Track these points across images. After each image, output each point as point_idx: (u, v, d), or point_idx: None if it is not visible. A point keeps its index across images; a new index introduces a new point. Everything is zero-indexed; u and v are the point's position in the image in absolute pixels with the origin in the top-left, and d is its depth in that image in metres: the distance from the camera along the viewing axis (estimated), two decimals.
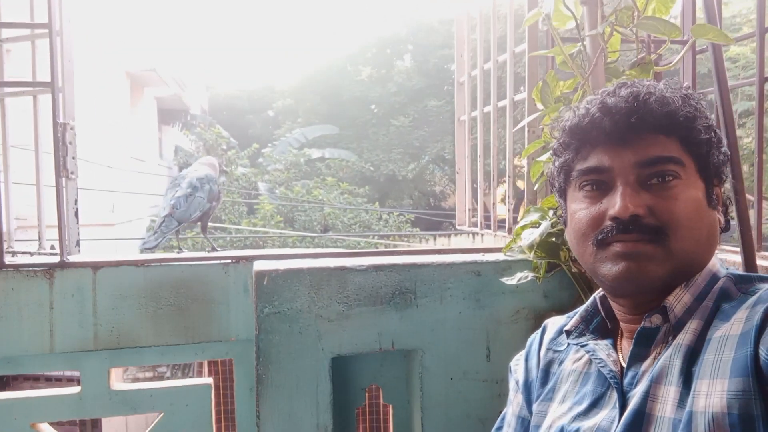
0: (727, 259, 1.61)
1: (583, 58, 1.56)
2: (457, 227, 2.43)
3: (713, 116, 1.69)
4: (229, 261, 1.64)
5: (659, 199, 0.84)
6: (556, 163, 0.96)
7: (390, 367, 1.61)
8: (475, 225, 2.34)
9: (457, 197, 2.47)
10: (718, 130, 0.90)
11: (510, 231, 2.05)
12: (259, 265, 1.50)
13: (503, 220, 2.13)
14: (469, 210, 2.36)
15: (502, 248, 1.64)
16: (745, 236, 1.42)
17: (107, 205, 9.72)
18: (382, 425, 1.83)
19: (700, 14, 1.88)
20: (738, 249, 1.45)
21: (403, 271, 1.53)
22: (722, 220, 0.92)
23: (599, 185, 0.88)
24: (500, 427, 1.12)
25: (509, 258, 1.59)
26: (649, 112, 0.85)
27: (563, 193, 0.97)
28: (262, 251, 1.71)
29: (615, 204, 0.84)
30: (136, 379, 7.61)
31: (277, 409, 1.46)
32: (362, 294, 1.51)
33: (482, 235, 2.35)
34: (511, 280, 1.50)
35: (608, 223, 0.85)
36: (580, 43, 1.57)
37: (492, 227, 2.24)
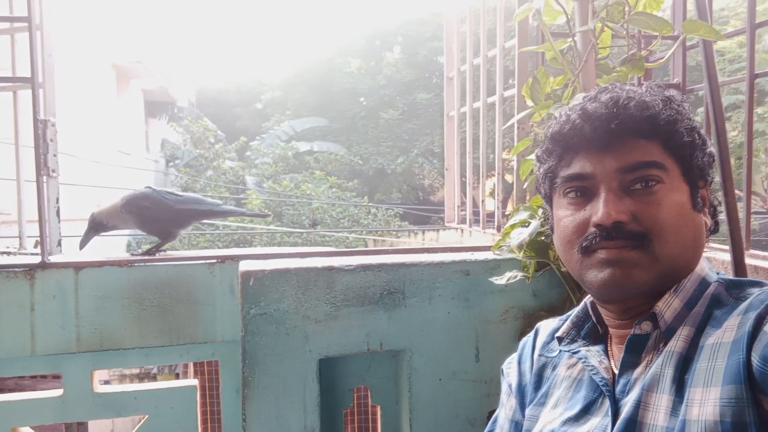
0: (715, 257, 1.60)
1: (573, 54, 1.54)
2: (446, 224, 2.41)
3: (701, 112, 1.68)
4: (215, 261, 1.62)
5: (642, 205, 0.83)
6: (541, 170, 0.96)
7: (378, 368, 1.60)
8: (464, 222, 2.32)
9: (446, 194, 2.45)
10: (702, 132, 0.89)
11: (499, 228, 2.04)
12: (245, 266, 1.47)
13: (492, 215, 2.12)
14: (458, 206, 2.34)
15: (491, 247, 1.62)
16: (734, 235, 1.42)
17: (93, 199, 9.62)
18: (370, 426, 1.82)
19: (690, 8, 1.87)
20: (727, 248, 1.45)
21: (391, 271, 1.51)
22: (709, 222, 0.91)
23: (583, 192, 0.88)
24: (492, 431, 1.10)
25: (498, 257, 1.57)
26: (629, 117, 0.84)
27: (549, 200, 0.97)
28: (249, 250, 1.68)
29: (598, 211, 0.84)
30: (123, 376, 7.55)
31: (263, 411, 1.44)
32: (350, 294, 1.48)
33: (470, 231, 2.33)
34: (500, 280, 1.49)
35: (592, 230, 0.85)
36: (570, 39, 1.55)
37: (481, 223, 2.22)
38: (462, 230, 2.35)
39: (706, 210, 0.91)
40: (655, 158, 0.84)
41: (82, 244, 1.71)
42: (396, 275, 1.51)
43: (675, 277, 0.85)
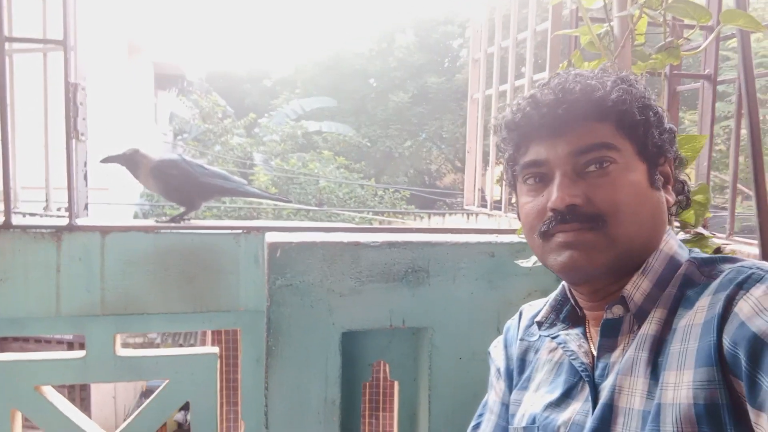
0: (741, 250, 1.60)
1: (609, 40, 1.53)
2: (465, 206, 2.41)
3: (732, 100, 1.67)
4: (240, 231, 1.62)
5: (596, 187, 0.83)
6: (503, 159, 0.97)
7: (399, 344, 1.61)
8: (484, 205, 2.32)
9: (467, 176, 2.44)
10: (658, 110, 0.89)
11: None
12: (271, 237, 1.48)
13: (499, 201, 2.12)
14: (479, 190, 2.34)
15: (516, 230, 1.63)
16: (763, 227, 1.42)
17: (99, 168, 9.61)
18: (381, 399, 1.83)
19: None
20: (755, 242, 1.45)
21: (416, 249, 1.51)
22: (672, 199, 0.91)
23: (541, 177, 0.88)
24: (482, 414, 1.10)
25: (523, 240, 1.58)
26: (575, 102, 0.84)
27: (514, 188, 0.98)
28: (274, 223, 1.68)
29: (552, 195, 0.85)
30: (126, 345, 7.62)
31: (285, 381, 1.46)
32: (375, 270, 1.49)
33: (477, 215, 2.33)
34: (526, 263, 1.49)
35: (549, 214, 0.86)
36: (607, 24, 1.54)
37: (491, 206, 2.22)
38: (468, 215, 2.35)
39: (669, 187, 0.91)
40: (607, 139, 0.84)
41: (104, 161, 1.72)
42: (421, 253, 1.51)
43: (636, 257, 0.85)
